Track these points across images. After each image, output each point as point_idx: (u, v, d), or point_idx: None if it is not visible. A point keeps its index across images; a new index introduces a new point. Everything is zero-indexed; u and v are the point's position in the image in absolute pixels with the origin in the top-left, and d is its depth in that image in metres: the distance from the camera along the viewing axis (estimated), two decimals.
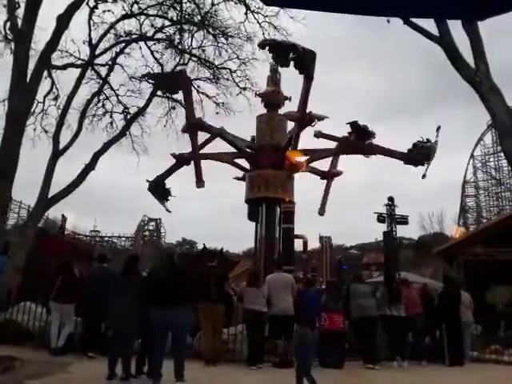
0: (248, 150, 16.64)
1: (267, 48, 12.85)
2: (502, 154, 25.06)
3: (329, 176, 17.04)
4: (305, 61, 12.82)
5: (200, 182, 15.28)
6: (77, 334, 8.91)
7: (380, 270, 32.60)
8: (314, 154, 16.68)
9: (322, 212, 17.70)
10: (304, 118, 14.45)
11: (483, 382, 7.99)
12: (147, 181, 15.50)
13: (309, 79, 13.35)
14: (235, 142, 16.76)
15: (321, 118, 15.14)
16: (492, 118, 8.25)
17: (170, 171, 15.79)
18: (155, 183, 15.69)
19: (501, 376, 8.54)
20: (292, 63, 12.78)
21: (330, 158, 16.90)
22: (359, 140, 15.11)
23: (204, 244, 15.51)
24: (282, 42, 13.47)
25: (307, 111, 14.20)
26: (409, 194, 66.73)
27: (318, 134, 16.03)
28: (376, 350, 9.34)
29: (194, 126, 14.79)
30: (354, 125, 15.07)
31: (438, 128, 14.97)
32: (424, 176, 15.02)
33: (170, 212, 16.46)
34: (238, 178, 18.06)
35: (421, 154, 14.76)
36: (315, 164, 16.84)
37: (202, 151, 16.21)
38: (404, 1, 1.50)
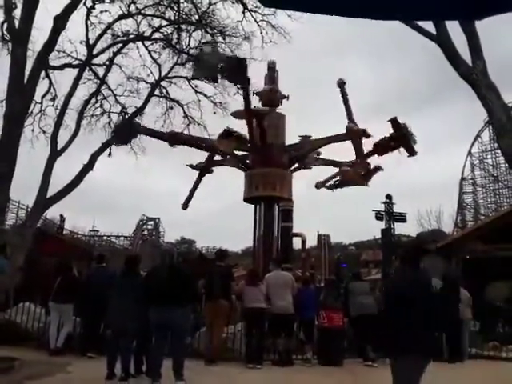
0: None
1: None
2: (499, 151, 25.10)
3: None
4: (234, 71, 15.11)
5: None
6: (76, 334, 8.92)
7: (378, 267, 32.66)
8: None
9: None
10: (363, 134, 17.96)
11: (482, 378, 8.02)
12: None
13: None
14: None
15: (368, 136, 18.02)
16: (489, 116, 8.26)
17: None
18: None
19: (499, 372, 8.56)
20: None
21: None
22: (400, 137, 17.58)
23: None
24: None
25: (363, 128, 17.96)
26: (407, 191, 66.97)
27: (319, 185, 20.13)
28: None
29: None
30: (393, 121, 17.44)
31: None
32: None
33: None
34: (192, 166, 18.67)
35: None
36: None
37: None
38: (403, 5, 1.51)
